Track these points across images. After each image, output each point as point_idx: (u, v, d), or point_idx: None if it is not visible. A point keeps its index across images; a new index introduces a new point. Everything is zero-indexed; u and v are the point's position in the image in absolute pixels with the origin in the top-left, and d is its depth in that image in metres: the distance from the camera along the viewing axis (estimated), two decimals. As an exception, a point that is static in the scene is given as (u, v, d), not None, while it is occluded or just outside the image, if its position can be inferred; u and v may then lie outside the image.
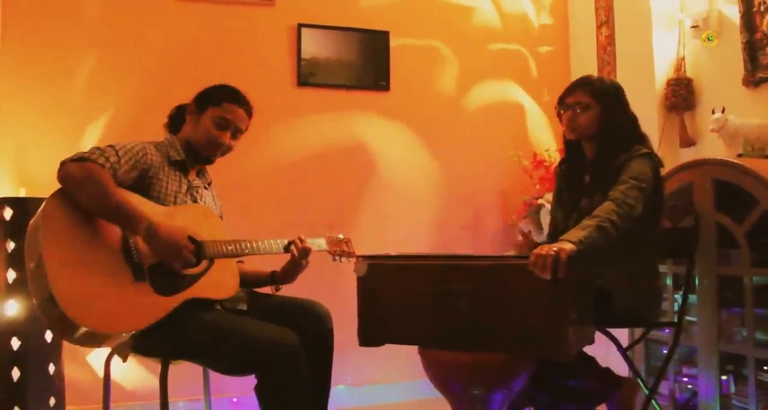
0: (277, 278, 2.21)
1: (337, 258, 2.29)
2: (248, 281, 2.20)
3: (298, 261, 2.14)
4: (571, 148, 2.30)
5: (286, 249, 2.14)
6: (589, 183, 2.19)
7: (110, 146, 1.88)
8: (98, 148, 1.85)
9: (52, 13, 3.01)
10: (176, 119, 2.18)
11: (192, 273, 1.89)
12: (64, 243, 1.71)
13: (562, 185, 2.32)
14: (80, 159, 1.79)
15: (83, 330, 1.65)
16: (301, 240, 2.15)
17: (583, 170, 2.24)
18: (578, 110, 2.15)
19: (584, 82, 2.20)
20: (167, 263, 1.83)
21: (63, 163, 1.79)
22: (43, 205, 1.74)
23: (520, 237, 2.20)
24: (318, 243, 2.23)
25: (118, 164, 1.84)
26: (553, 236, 1.89)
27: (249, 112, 2.14)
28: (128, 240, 1.81)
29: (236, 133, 2.12)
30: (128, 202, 1.79)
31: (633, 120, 2.18)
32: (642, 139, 2.16)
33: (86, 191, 1.76)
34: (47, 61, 2.99)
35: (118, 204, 1.76)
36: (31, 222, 1.75)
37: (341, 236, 2.34)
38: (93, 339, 1.74)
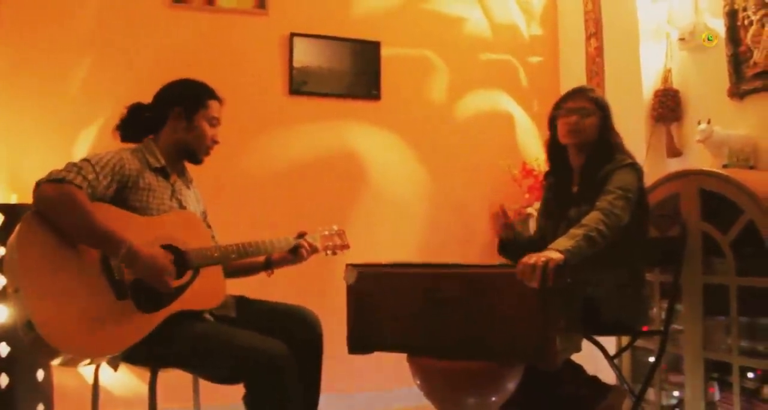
0: (273, 265, 2.22)
1: (329, 252, 2.28)
2: (242, 269, 2.21)
3: (303, 259, 2.18)
4: (556, 159, 2.33)
5: (295, 250, 2.17)
6: (577, 192, 2.22)
7: (86, 161, 1.82)
8: (74, 165, 1.79)
9: (45, 20, 3.02)
10: (134, 122, 2.09)
11: (176, 284, 1.85)
12: (42, 269, 1.66)
13: (549, 197, 2.36)
14: (56, 180, 1.73)
15: (65, 354, 1.64)
16: (309, 244, 2.18)
17: (571, 180, 2.27)
18: (583, 114, 2.19)
19: (585, 89, 2.27)
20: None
21: (38, 184, 1.73)
22: (18, 228, 1.68)
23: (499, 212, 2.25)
24: (313, 238, 2.23)
25: (96, 180, 1.79)
26: (541, 246, 1.92)
27: (222, 102, 2.15)
28: (108, 257, 1.76)
29: (218, 125, 2.13)
30: (106, 226, 1.72)
31: (619, 136, 2.23)
32: (625, 151, 2.20)
33: (63, 215, 1.70)
34: (40, 66, 3.00)
35: (96, 228, 1.70)
36: (7, 243, 1.69)
37: (335, 228, 2.33)
38: (78, 361, 1.73)
